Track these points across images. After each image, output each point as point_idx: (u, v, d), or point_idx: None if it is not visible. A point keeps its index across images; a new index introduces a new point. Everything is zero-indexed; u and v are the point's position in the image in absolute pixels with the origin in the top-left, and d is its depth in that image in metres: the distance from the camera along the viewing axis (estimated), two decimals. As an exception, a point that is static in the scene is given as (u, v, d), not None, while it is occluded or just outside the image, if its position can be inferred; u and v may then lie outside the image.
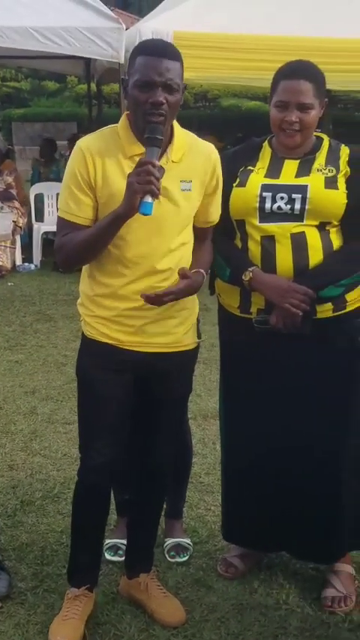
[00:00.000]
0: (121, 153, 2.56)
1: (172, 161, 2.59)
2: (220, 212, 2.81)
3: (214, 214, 2.79)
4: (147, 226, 2.56)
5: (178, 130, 2.64)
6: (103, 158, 2.56)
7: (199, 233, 2.76)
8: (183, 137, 2.65)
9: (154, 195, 2.37)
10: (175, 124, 2.62)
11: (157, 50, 2.52)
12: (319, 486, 2.99)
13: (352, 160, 2.86)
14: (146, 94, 2.45)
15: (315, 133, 2.93)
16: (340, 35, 7.25)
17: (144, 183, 2.34)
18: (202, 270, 2.69)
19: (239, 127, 16.43)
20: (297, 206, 2.80)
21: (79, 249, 2.58)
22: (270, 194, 2.83)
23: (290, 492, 3.02)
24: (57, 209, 2.71)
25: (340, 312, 2.88)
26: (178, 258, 2.65)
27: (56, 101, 25.80)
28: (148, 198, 2.36)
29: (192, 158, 2.64)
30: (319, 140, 2.94)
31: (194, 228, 2.74)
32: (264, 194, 2.83)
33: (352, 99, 21.27)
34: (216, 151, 2.72)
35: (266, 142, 2.98)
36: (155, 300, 2.55)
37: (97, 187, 2.56)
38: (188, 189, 2.62)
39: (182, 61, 2.53)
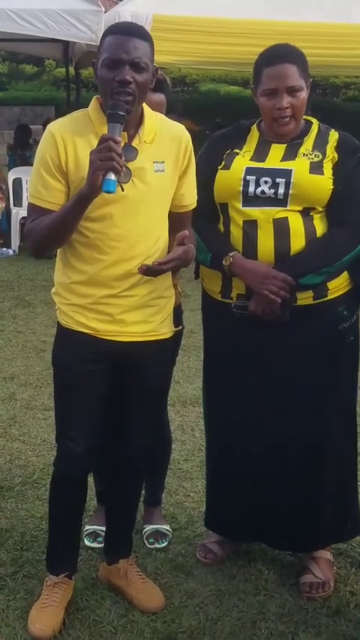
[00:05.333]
0: (93, 135, 2.52)
1: (145, 142, 2.58)
2: (194, 196, 2.77)
3: (187, 198, 2.74)
4: (122, 209, 2.54)
5: (148, 111, 2.62)
6: (74, 141, 2.53)
7: (176, 219, 2.72)
8: (153, 118, 2.63)
9: (116, 172, 2.33)
10: (145, 105, 2.61)
11: (126, 30, 2.53)
12: (301, 473, 2.99)
13: (340, 146, 2.83)
14: (113, 72, 2.44)
15: (304, 117, 2.90)
16: (320, 20, 7.23)
17: (105, 160, 2.31)
18: (191, 246, 2.63)
19: (217, 112, 16.38)
20: (281, 190, 2.78)
21: (47, 234, 2.55)
22: (254, 177, 2.81)
23: (272, 479, 3.01)
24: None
25: (321, 300, 2.87)
26: (154, 242, 2.63)
27: (34, 85, 25.58)
28: (111, 176, 2.33)
29: (164, 139, 2.62)
30: (308, 124, 2.91)
31: (171, 214, 2.71)
32: (248, 177, 2.82)
33: (331, 84, 21.30)
34: (187, 132, 2.70)
35: (255, 125, 2.96)
36: (154, 270, 2.51)
37: (70, 172, 2.54)
38: (161, 169, 2.60)
39: (152, 42, 2.52)
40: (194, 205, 2.78)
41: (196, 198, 2.77)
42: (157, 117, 2.66)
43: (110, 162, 2.31)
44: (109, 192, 2.34)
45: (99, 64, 2.50)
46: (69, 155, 2.53)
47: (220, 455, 3.14)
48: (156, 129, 2.61)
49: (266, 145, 2.88)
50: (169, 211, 2.70)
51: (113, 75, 2.44)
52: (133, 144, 2.55)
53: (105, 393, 2.75)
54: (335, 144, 2.84)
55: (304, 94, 2.79)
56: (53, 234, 2.56)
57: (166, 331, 2.78)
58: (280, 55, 2.81)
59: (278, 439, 2.96)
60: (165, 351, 2.83)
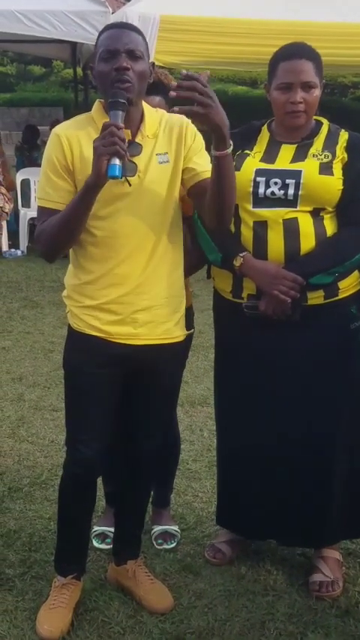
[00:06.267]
0: (97, 135, 2.50)
1: (148, 136, 2.59)
2: (209, 165, 2.58)
3: (201, 165, 2.61)
4: (130, 204, 2.55)
5: (148, 108, 2.64)
6: (79, 142, 2.55)
7: (199, 193, 2.60)
8: (153, 114, 2.65)
9: (120, 157, 2.33)
10: (144, 103, 2.62)
11: (118, 24, 2.60)
12: (311, 471, 2.98)
13: (350, 146, 2.83)
14: (111, 63, 2.46)
15: (315, 117, 2.90)
16: (327, 19, 7.22)
17: (108, 145, 2.32)
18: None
19: (226, 112, 16.36)
20: (290, 191, 2.78)
21: (56, 232, 2.54)
22: (264, 179, 2.81)
23: (283, 477, 3.01)
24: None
25: (332, 299, 2.86)
26: (165, 236, 2.62)
27: (42, 86, 25.65)
28: (116, 161, 2.33)
29: (165, 132, 2.63)
30: (319, 124, 2.91)
31: (192, 190, 2.63)
32: (258, 179, 2.82)
33: (339, 84, 21.27)
34: (186, 118, 2.65)
35: (265, 126, 2.96)
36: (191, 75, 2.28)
37: (76, 171, 2.55)
38: (165, 160, 2.60)
39: (145, 38, 2.56)
40: (210, 174, 2.59)
41: (210, 167, 2.57)
42: (158, 112, 2.67)
43: (114, 146, 2.31)
44: (114, 177, 2.34)
45: (96, 61, 2.52)
46: (75, 155, 2.54)
47: (231, 454, 3.13)
48: (157, 123, 2.62)
49: (276, 145, 2.88)
50: (189, 189, 2.64)
51: (111, 65, 2.46)
52: (136, 140, 2.56)
53: (117, 396, 2.75)
54: (345, 144, 2.84)
55: (317, 92, 2.81)
56: (62, 232, 2.55)
57: (179, 334, 2.77)
58: (298, 51, 2.83)
59: (289, 440, 2.95)
60: (177, 354, 2.82)
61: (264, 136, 2.93)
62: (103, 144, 2.33)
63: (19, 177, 9.91)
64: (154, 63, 2.59)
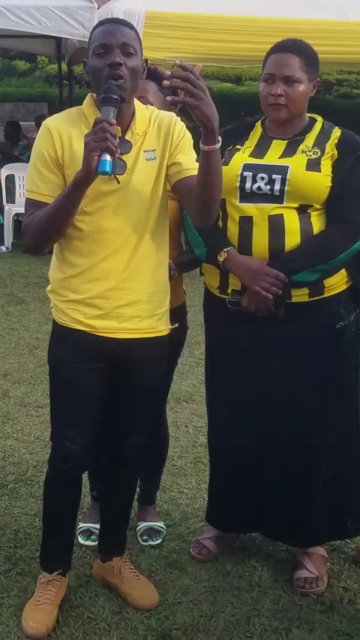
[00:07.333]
0: (88, 129, 2.51)
1: (137, 134, 2.59)
2: (194, 164, 2.59)
3: (187, 163, 2.61)
4: (117, 201, 2.55)
5: (139, 105, 2.64)
6: (70, 136, 2.55)
7: (186, 190, 2.58)
8: (144, 111, 2.65)
9: (111, 153, 2.33)
10: (136, 100, 2.62)
11: (112, 20, 2.60)
12: (296, 471, 2.99)
13: (341, 143, 2.83)
14: (104, 58, 2.46)
15: (309, 114, 2.91)
16: (311, 17, 7.23)
17: (100, 141, 2.32)
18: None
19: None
20: (277, 187, 2.78)
21: (44, 225, 2.54)
22: (250, 174, 2.81)
23: (271, 477, 3.02)
24: (28, 191, 2.68)
25: (317, 298, 2.86)
26: (150, 232, 2.62)
27: (27, 81, 25.54)
28: (106, 157, 2.33)
29: (154, 128, 2.63)
30: (312, 121, 2.91)
31: (177, 185, 2.62)
32: (245, 173, 2.82)
33: (323, 81, 21.32)
34: (175, 117, 2.68)
35: (259, 122, 2.97)
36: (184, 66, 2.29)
37: (65, 165, 2.55)
38: (153, 157, 2.60)
39: (138, 34, 2.56)
40: (196, 172, 2.58)
41: (196, 166, 2.57)
42: (148, 109, 2.68)
43: (105, 142, 2.31)
44: (104, 172, 2.34)
45: (89, 56, 2.51)
46: (65, 148, 2.55)
47: (222, 449, 3.13)
48: (147, 121, 2.63)
49: (268, 141, 2.89)
50: (174, 185, 2.63)
51: (104, 61, 2.45)
52: (126, 137, 2.57)
53: (102, 391, 2.74)
54: (336, 141, 2.84)
55: (302, 87, 2.80)
56: (50, 225, 2.55)
57: (163, 328, 2.77)
58: (288, 46, 2.85)
59: (276, 439, 2.96)
60: (162, 349, 2.80)
61: (256, 132, 2.93)
62: (95, 139, 2.33)
63: (4, 172, 9.84)
64: (147, 60, 2.58)
